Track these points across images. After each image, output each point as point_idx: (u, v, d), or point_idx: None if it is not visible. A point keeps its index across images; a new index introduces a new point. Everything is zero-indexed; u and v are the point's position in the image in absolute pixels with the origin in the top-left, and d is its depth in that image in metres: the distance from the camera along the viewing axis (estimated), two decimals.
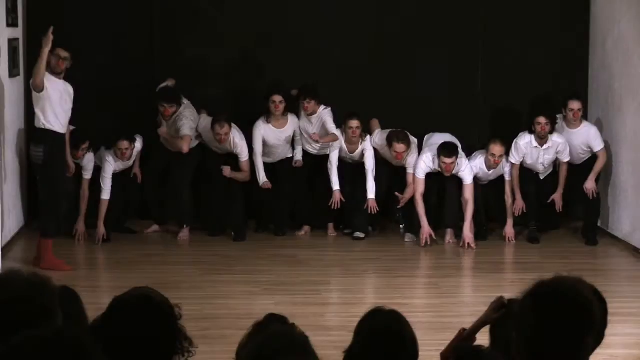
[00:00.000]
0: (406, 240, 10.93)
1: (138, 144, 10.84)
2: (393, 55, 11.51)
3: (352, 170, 11.02)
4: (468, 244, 10.53)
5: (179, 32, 11.46)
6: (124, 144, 10.61)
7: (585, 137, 10.85)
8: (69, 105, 9.57)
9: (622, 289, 9.12)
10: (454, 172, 10.65)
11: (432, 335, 7.13)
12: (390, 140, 10.66)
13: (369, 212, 10.82)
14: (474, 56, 11.63)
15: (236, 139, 10.74)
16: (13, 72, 10.32)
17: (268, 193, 10.94)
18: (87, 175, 10.64)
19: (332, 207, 10.84)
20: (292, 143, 11.12)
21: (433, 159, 10.63)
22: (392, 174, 11.02)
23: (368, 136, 10.90)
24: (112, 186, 10.63)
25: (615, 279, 9.60)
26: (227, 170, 10.85)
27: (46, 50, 9.04)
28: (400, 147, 10.61)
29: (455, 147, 10.65)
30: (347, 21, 11.49)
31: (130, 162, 10.89)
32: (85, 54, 10.68)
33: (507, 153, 10.77)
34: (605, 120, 11.24)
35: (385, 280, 9.47)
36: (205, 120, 10.89)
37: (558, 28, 11.61)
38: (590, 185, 10.83)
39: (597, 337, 3.26)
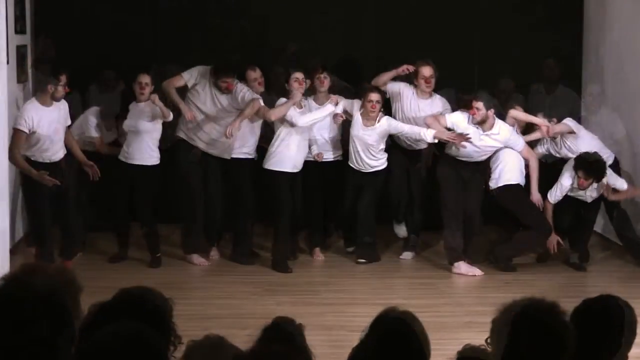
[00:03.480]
0: (401, 257, 10.35)
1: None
2: (390, 51, 11.18)
3: (359, 181, 10.07)
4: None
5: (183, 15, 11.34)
6: (145, 77, 9.34)
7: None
8: (61, 132, 9.14)
9: None
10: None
11: (431, 335, 7.24)
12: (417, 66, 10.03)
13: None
14: (470, 58, 11.42)
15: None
16: (21, 79, 10.23)
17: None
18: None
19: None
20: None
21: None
22: (404, 182, 10.35)
23: (388, 117, 9.96)
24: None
25: None
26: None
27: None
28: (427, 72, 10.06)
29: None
30: (346, 11, 11.43)
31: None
32: (93, 63, 10.64)
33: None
34: (599, 129, 10.61)
35: (381, 281, 9.50)
36: None
37: (551, 36, 11.26)
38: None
39: (618, 346, 3.42)
